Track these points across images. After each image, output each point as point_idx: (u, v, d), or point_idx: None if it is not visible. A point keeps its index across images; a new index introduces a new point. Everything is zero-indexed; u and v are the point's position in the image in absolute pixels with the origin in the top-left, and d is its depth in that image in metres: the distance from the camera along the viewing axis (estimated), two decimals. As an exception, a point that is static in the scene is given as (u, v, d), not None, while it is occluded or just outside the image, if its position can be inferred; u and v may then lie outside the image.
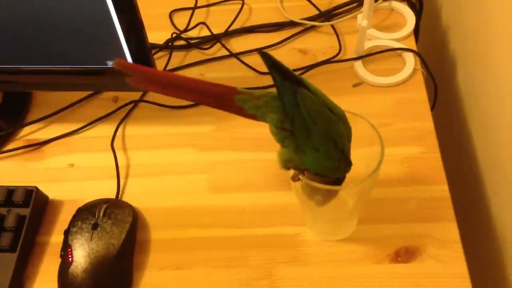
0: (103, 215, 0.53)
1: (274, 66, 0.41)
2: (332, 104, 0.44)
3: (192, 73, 0.68)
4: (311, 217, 0.53)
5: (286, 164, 0.45)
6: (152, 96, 0.65)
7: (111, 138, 0.63)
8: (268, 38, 0.70)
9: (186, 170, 0.59)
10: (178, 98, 0.44)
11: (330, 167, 0.44)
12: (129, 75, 0.42)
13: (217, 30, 0.71)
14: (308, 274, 0.51)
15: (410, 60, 0.65)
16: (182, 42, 0.71)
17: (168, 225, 0.56)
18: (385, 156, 0.44)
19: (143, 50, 0.56)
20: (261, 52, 0.41)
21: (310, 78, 0.65)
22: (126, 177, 0.60)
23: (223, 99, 0.44)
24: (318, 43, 0.69)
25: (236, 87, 0.43)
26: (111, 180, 0.59)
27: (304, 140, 0.43)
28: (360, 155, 0.46)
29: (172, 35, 0.71)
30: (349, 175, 0.46)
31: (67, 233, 0.53)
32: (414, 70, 0.64)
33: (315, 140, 0.43)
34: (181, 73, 0.68)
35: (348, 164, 0.44)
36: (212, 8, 0.75)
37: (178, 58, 0.70)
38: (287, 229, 0.54)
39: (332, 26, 0.70)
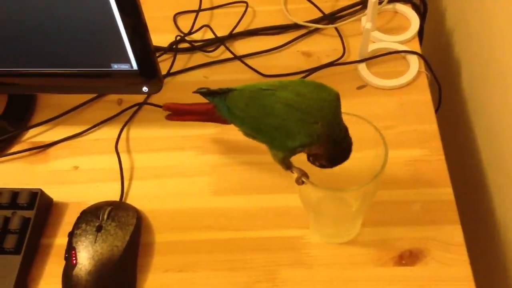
0: (107, 218, 0.53)
1: (205, 94, 0.52)
2: (274, 82, 0.47)
3: (196, 75, 0.68)
4: (314, 220, 0.53)
5: (280, 161, 0.46)
6: (156, 98, 0.65)
7: (115, 140, 0.63)
8: (272, 41, 0.70)
9: (189, 173, 0.60)
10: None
11: (289, 134, 0.44)
12: (168, 113, 0.56)
13: (221, 32, 0.71)
14: (311, 277, 0.51)
15: (414, 63, 0.65)
16: (186, 45, 0.71)
17: (172, 228, 0.56)
18: (389, 158, 0.44)
19: (147, 53, 0.56)
20: (196, 92, 0.53)
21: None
22: (130, 179, 0.60)
23: (212, 114, 0.52)
24: (322, 46, 0.69)
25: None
26: (115, 182, 0.59)
27: (254, 133, 0.48)
28: (364, 157, 0.46)
29: (176, 37, 0.71)
30: (352, 178, 0.46)
31: (71, 235, 0.53)
32: (418, 72, 0.64)
33: (256, 125, 0.47)
34: (185, 76, 0.68)
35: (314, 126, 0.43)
36: (216, 11, 0.75)
37: (182, 61, 0.70)
38: (290, 232, 0.54)
39: (336, 28, 0.70)
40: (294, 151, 0.45)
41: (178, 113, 0.57)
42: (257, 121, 0.47)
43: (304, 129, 0.43)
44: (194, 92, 0.53)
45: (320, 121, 0.43)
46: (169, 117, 0.57)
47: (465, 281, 0.49)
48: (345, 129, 0.45)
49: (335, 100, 0.44)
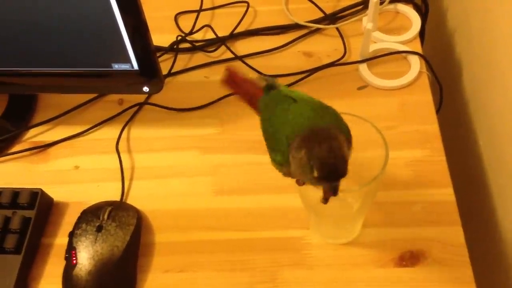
0: (108, 218, 0.53)
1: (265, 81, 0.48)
2: (302, 95, 0.45)
3: (197, 75, 0.68)
4: (315, 221, 0.53)
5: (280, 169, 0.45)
6: (157, 98, 0.65)
7: (116, 140, 0.63)
8: (273, 41, 0.70)
9: (191, 173, 0.59)
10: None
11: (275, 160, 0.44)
12: (226, 77, 0.52)
13: (222, 32, 0.71)
14: (312, 278, 0.51)
15: (416, 63, 0.65)
16: (187, 45, 0.71)
17: (172, 228, 0.56)
18: (390, 159, 0.44)
19: (148, 53, 0.56)
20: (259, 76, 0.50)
21: (315, 81, 0.65)
22: (131, 179, 0.60)
23: (255, 100, 0.48)
24: (323, 46, 0.69)
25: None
26: (115, 182, 0.59)
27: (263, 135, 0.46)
28: (365, 158, 0.46)
29: (177, 37, 0.71)
30: (354, 178, 0.46)
31: (71, 235, 0.53)
32: (420, 73, 0.64)
33: (262, 128, 0.46)
34: (186, 76, 0.68)
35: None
36: (217, 11, 0.75)
37: (183, 61, 0.70)
38: (291, 232, 0.54)
39: (337, 28, 0.70)
40: (280, 167, 0.44)
41: (233, 80, 0.52)
42: (263, 124, 0.46)
43: (282, 149, 0.41)
44: (258, 74, 0.52)
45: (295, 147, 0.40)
46: (224, 80, 0.52)
47: (466, 282, 0.49)
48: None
49: (338, 133, 0.40)
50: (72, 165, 0.62)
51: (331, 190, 0.39)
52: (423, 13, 0.71)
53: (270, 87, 0.48)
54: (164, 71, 0.66)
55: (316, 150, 0.38)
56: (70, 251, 0.52)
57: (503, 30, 0.56)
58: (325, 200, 0.40)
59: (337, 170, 0.38)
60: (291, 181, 0.46)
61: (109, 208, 0.54)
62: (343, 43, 0.68)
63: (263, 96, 0.48)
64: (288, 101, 0.44)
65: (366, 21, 0.67)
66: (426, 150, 0.58)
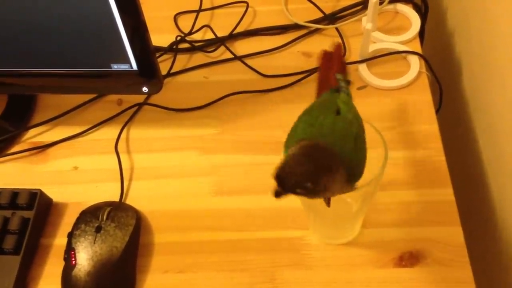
0: (107, 218, 0.53)
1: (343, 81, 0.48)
2: (352, 109, 0.44)
3: (196, 76, 0.68)
4: (314, 221, 0.53)
5: None
6: (156, 99, 0.65)
7: (115, 141, 0.63)
8: (273, 41, 0.70)
9: (190, 173, 0.59)
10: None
11: None
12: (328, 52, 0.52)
13: (222, 33, 0.71)
14: (311, 278, 0.51)
15: (415, 63, 0.65)
16: (186, 45, 0.71)
17: (172, 228, 0.56)
18: (390, 159, 0.44)
19: (147, 53, 0.56)
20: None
21: (314, 81, 0.65)
22: (130, 180, 0.60)
23: (323, 89, 0.48)
24: (323, 46, 0.68)
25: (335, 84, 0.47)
26: (115, 183, 0.59)
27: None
28: (364, 158, 0.46)
29: (176, 38, 0.71)
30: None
31: (70, 236, 0.53)
32: (419, 73, 0.64)
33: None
34: (185, 76, 0.68)
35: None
36: (217, 11, 0.75)
37: (182, 61, 0.70)
38: (290, 233, 0.54)
39: (337, 29, 0.70)
40: None
41: (331, 58, 0.51)
42: (301, 115, 0.45)
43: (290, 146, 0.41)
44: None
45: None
46: (324, 53, 0.52)
47: (466, 282, 0.49)
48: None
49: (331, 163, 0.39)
50: (71, 165, 0.62)
51: (273, 191, 0.40)
52: (423, 13, 0.71)
53: (336, 89, 0.47)
54: (164, 71, 0.66)
55: (288, 157, 0.39)
56: (69, 252, 0.52)
57: (502, 30, 0.55)
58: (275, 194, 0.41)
59: (282, 181, 0.40)
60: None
61: (108, 209, 0.54)
62: (343, 43, 0.68)
63: (327, 92, 0.47)
64: (332, 109, 0.43)
65: (366, 21, 0.67)
66: (426, 150, 0.58)
